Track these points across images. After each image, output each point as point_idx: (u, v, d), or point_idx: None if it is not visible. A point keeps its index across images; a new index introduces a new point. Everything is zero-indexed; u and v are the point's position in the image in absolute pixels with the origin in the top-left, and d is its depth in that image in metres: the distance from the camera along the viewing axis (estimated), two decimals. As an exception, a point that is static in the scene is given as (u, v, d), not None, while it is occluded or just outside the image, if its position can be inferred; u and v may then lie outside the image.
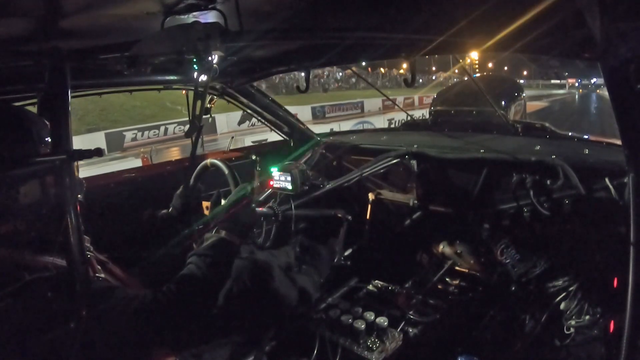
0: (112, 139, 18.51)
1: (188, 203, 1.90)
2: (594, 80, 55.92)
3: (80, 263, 0.99)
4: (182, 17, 1.17)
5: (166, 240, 1.76)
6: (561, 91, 56.79)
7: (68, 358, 1.04)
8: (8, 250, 1.13)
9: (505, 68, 61.06)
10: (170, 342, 1.28)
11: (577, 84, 64.03)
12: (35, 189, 1.18)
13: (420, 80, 40.98)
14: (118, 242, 1.62)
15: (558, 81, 64.96)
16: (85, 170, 1.46)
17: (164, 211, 1.90)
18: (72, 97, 1.03)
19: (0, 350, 1.01)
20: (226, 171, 1.77)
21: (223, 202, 1.79)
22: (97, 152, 1.04)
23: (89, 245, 1.29)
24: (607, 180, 1.67)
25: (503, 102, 2.84)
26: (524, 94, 3.12)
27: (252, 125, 20.30)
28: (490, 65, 57.71)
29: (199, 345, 1.55)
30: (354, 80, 37.24)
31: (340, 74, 38.20)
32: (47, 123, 1.18)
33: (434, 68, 53.07)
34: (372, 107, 28.88)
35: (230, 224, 1.49)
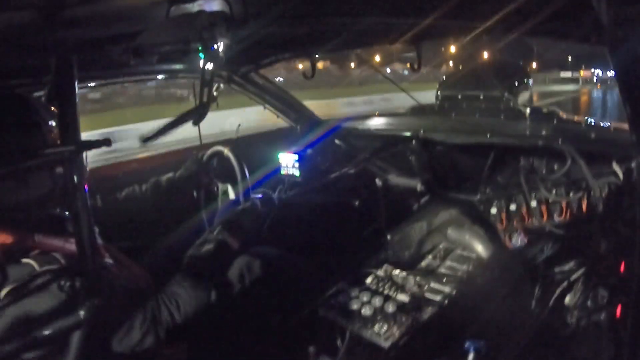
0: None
1: (200, 170, 1.95)
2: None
3: (90, 252, 1.00)
4: (187, 5, 1.16)
5: (175, 198, 1.85)
6: (572, 87, 40.02)
7: (78, 345, 1.06)
8: (19, 239, 1.15)
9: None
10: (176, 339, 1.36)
11: (594, 79, 43.58)
12: (45, 180, 1.20)
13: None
14: (125, 224, 1.66)
15: (569, 74, 45.83)
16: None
17: (170, 174, 1.95)
18: (79, 88, 1.03)
19: (11, 340, 1.03)
20: (237, 167, 1.78)
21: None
22: (106, 142, 1.05)
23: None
24: (614, 164, 1.66)
25: (510, 87, 2.81)
26: (531, 79, 3.07)
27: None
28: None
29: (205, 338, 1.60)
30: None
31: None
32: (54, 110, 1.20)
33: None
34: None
35: (233, 225, 1.54)
